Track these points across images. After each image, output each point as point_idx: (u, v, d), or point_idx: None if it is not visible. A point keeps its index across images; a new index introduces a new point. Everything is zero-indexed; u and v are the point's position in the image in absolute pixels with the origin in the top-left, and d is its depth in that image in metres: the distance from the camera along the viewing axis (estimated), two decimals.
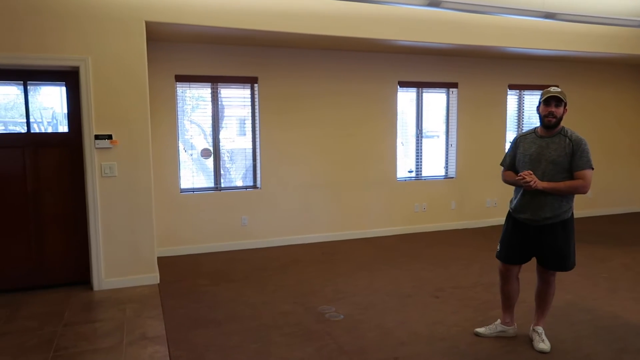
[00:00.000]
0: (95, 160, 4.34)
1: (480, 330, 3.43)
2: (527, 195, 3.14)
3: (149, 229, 4.55)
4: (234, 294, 4.29)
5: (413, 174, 6.72)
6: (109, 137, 4.37)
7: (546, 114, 3.11)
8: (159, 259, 5.19)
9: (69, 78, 4.36)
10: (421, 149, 6.72)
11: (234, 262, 5.28)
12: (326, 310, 3.88)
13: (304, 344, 3.31)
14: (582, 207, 7.34)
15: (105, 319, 3.78)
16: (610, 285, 4.43)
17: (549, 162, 3.09)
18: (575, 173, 3.05)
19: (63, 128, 4.61)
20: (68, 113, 4.43)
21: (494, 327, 3.42)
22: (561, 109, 3.10)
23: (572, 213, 3.19)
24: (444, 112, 6.83)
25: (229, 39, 5.27)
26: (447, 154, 6.87)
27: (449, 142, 6.84)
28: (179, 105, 5.59)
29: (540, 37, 5.84)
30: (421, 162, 6.74)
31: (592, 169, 3.06)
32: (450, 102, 6.79)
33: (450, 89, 6.73)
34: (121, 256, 4.47)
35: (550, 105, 3.09)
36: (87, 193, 4.36)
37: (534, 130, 3.26)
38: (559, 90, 3.12)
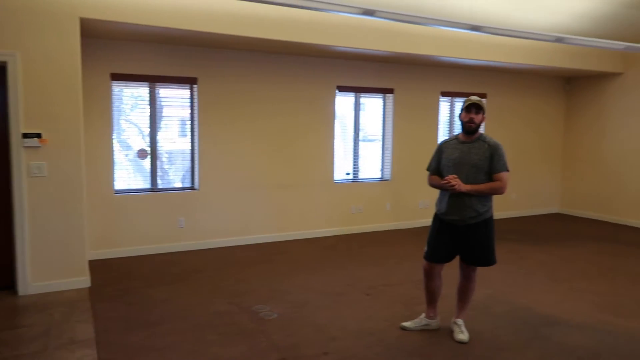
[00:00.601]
0: (22, 160, 4.18)
1: (406, 324, 3.63)
2: (452, 198, 3.36)
3: (79, 231, 4.43)
4: (169, 296, 4.27)
5: (350, 177, 6.92)
6: (38, 135, 4.22)
7: (467, 120, 3.36)
8: (92, 262, 5.06)
9: None
10: (358, 152, 6.93)
11: (170, 264, 5.23)
12: (260, 310, 3.95)
13: (238, 342, 3.37)
14: (504, 208, 7.84)
15: (30, 324, 3.66)
16: (527, 280, 4.79)
17: (470, 166, 3.33)
18: (493, 175, 3.31)
19: None
20: None
21: (419, 320, 3.63)
22: (480, 116, 3.35)
23: (492, 213, 3.45)
24: (379, 117, 7.08)
25: (168, 39, 5.23)
26: (383, 157, 7.12)
27: (385, 146, 7.10)
28: (115, 104, 5.47)
29: (470, 47, 6.20)
30: (358, 164, 6.95)
31: (508, 170, 3.34)
32: (386, 107, 7.05)
33: (387, 95, 6.99)
34: (50, 259, 4.33)
35: (471, 112, 3.34)
36: (14, 194, 4.19)
37: (456, 137, 3.50)
38: (479, 99, 3.39)
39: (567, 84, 8.48)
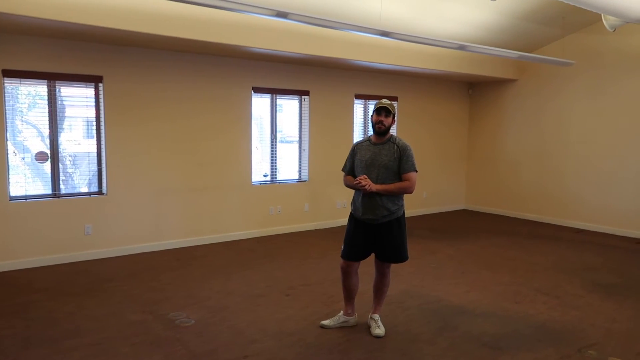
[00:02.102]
0: None
1: (325, 322, 3.68)
2: (365, 197, 3.47)
3: None
4: (75, 308, 3.99)
5: (268, 178, 6.90)
6: None
7: (377, 122, 3.49)
8: None
9: None
10: (276, 154, 6.93)
11: (75, 275, 4.89)
12: (177, 317, 3.82)
13: (152, 352, 3.23)
14: (415, 206, 8.23)
15: None
16: (437, 274, 5.06)
17: (381, 167, 3.46)
18: (402, 175, 3.46)
19: None
20: None
21: (337, 318, 3.70)
22: (390, 119, 3.49)
23: (404, 211, 3.60)
24: (297, 118, 7.13)
25: (69, 34, 4.88)
26: (300, 159, 7.18)
27: (302, 147, 7.16)
28: (9, 103, 5.01)
29: (381, 52, 6.44)
30: (276, 166, 6.95)
31: (416, 171, 3.50)
32: (302, 108, 7.12)
33: (303, 96, 7.06)
34: None
35: (381, 114, 3.47)
36: None
37: (368, 139, 3.62)
38: (389, 102, 3.52)
39: (470, 89, 9.09)
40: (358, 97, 7.61)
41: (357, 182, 3.41)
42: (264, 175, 6.87)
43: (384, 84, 7.85)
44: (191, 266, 5.24)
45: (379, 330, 3.55)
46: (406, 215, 3.62)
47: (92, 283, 4.63)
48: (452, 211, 9.03)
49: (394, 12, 5.76)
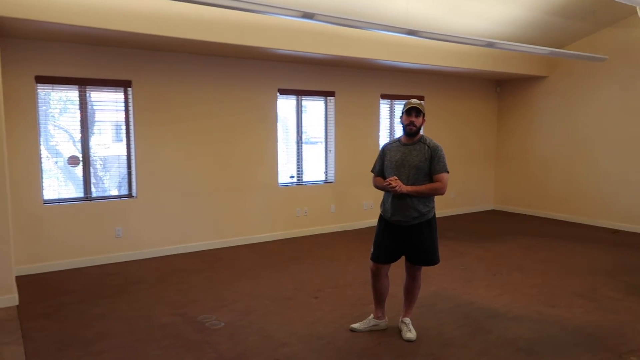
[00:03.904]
0: None
1: (355, 325, 3.64)
2: (395, 199, 3.41)
3: (4, 245, 4.10)
4: (106, 310, 4.04)
5: (294, 180, 6.89)
6: None
7: (408, 123, 3.42)
8: (20, 277, 4.70)
9: None
10: (302, 155, 6.92)
11: (106, 276, 4.96)
12: (206, 319, 3.83)
13: (183, 355, 3.24)
14: (443, 207, 8.10)
15: None
16: (468, 276, 4.96)
17: (412, 168, 3.39)
18: (434, 176, 3.39)
19: None
20: None
21: (368, 321, 3.65)
22: (420, 119, 3.43)
23: (435, 213, 3.53)
24: (322, 119, 7.10)
25: (98, 40, 4.96)
26: (326, 160, 7.15)
27: (328, 148, 7.13)
28: (42, 108, 5.12)
29: (408, 51, 6.36)
30: (302, 167, 6.93)
31: (448, 172, 3.43)
32: (328, 109, 7.09)
33: (328, 97, 7.03)
34: None
35: (411, 115, 3.41)
36: None
37: (398, 139, 3.57)
38: (419, 102, 3.46)
39: (498, 87, 8.90)
40: (384, 97, 7.53)
41: (387, 183, 3.36)
42: (290, 177, 6.86)
43: (410, 84, 7.76)
44: (218, 268, 5.26)
45: (410, 334, 3.48)
46: (436, 217, 3.55)
47: (122, 285, 4.69)
48: (480, 212, 8.86)
49: (420, 10, 5.68)
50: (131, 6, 4.46)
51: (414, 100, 3.47)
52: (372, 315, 3.69)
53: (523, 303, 4.19)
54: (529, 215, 8.39)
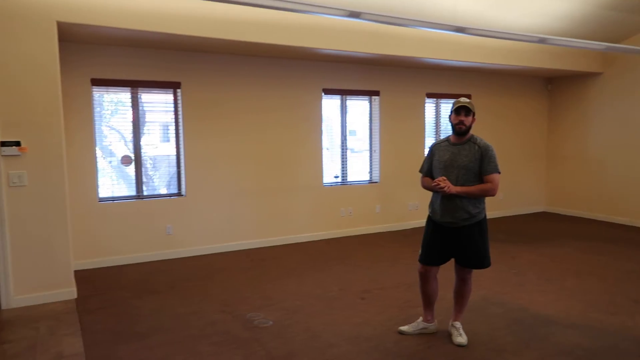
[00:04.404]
0: (1, 169, 4.02)
1: (404, 328, 3.58)
2: (444, 200, 3.33)
3: (64, 241, 4.29)
4: (158, 306, 4.15)
5: (339, 179, 6.87)
6: (17, 144, 4.07)
7: (457, 122, 3.34)
8: (77, 272, 4.90)
9: None
10: (346, 155, 6.89)
11: (157, 273, 5.10)
12: (254, 317, 3.86)
13: (232, 352, 3.28)
14: (492, 208, 7.87)
15: (15, 339, 3.51)
16: (520, 280, 4.80)
17: (461, 168, 3.31)
18: (484, 177, 3.29)
19: None
20: None
21: (416, 324, 3.58)
22: (470, 118, 3.33)
23: (485, 214, 3.43)
24: (366, 119, 7.05)
25: (150, 43, 5.11)
26: (371, 160, 7.10)
27: (373, 148, 7.07)
28: (96, 110, 5.33)
29: (455, 49, 6.22)
30: (346, 167, 6.91)
31: (499, 172, 3.32)
32: (372, 109, 7.03)
33: (373, 97, 6.97)
34: (33, 271, 4.17)
35: (460, 114, 3.32)
36: None
37: (447, 139, 3.48)
38: (468, 100, 3.36)
39: (549, 84, 8.58)
40: (429, 96, 7.40)
41: (435, 184, 3.29)
42: (335, 177, 6.85)
43: (456, 82, 7.59)
44: (264, 267, 5.31)
45: (461, 338, 3.39)
46: (487, 219, 3.45)
47: (173, 282, 4.80)
48: (531, 213, 8.57)
49: (468, 6, 5.54)
50: (181, 9, 4.57)
51: (463, 99, 3.37)
52: (421, 318, 3.62)
53: (580, 310, 4.01)
54: (583, 218, 8.05)
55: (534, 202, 8.71)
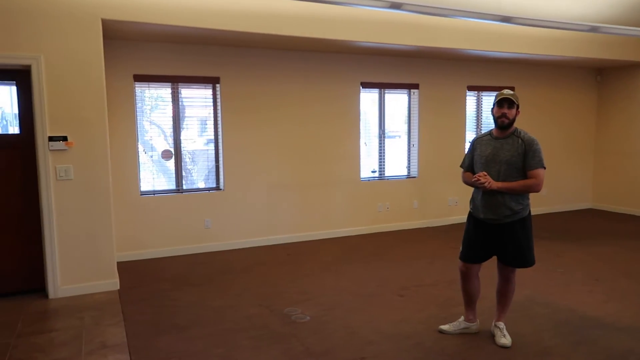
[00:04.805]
0: (49, 163, 4.16)
1: (445, 327, 3.49)
2: (485, 196, 3.22)
3: (108, 233, 4.40)
4: (197, 298, 4.20)
5: (376, 174, 6.79)
6: (64, 138, 4.19)
7: (499, 115, 3.21)
8: (119, 263, 5.03)
9: (20, 77, 4.15)
10: (384, 149, 6.80)
11: (196, 266, 5.18)
12: (292, 312, 3.86)
13: (270, 347, 3.28)
14: (536, 205, 7.61)
15: (62, 328, 3.63)
16: (566, 280, 4.61)
17: (503, 163, 3.18)
18: (528, 172, 3.15)
19: (14, 129, 4.40)
20: (19, 114, 4.22)
21: (458, 324, 3.49)
22: (514, 111, 3.19)
23: (530, 211, 3.29)
24: (405, 113, 6.93)
25: (190, 38, 5.16)
26: (409, 154, 6.97)
27: (411, 142, 6.94)
28: (138, 105, 5.43)
29: (497, 40, 6.01)
30: (384, 162, 6.81)
31: (544, 168, 3.17)
32: (411, 102, 6.90)
33: (412, 90, 6.84)
34: (79, 262, 4.31)
35: (503, 107, 3.19)
36: (41, 197, 4.17)
37: (490, 132, 3.36)
38: (512, 92, 3.23)
39: (598, 75, 8.20)
40: (470, 88, 7.20)
41: (475, 179, 3.18)
42: (372, 172, 6.77)
43: (499, 74, 7.35)
44: (301, 261, 5.31)
45: (504, 339, 3.28)
46: (531, 216, 3.31)
47: (211, 275, 4.86)
48: (576, 210, 8.23)
49: None
50: (221, 5, 4.59)
51: (506, 91, 3.24)
52: (462, 317, 3.52)
53: (633, 312, 3.81)
54: (633, 216, 7.67)
55: (579, 198, 8.36)
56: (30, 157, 4.23)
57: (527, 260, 3.27)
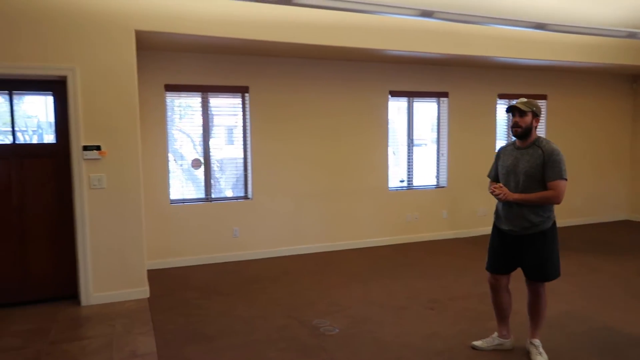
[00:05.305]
0: (83, 172, 4.24)
1: (478, 343, 3.40)
2: (505, 207, 3.18)
3: (138, 242, 4.45)
4: (226, 308, 4.20)
5: (404, 184, 6.71)
6: (98, 148, 4.27)
7: (512, 125, 3.17)
8: (148, 271, 5.06)
9: (57, 88, 4.26)
10: (412, 158, 6.72)
11: (224, 274, 5.19)
12: (321, 324, 3.82)
13: (300, 359, 3.24)
14: (568, 216, 7.39)
15: (93, 335, 3.67)
16: (603, 295, 4.44)
17: (522, 174, 3.11)
18: (547, 183, 3.05)
19: (49, 138, 4.51)
20: (55, 123, 4.32)
21: (491, 340, 3.39)
22: (527, 119, 3.11)
23: (554, 222, 3.17)
24: (434, 122, 6.84)
25: (220, 48, 5.22)
26: (438, 163, 6.87)
27: (440, 152, 6.85)
28: (168, 114, 5.50)
29: (529, 47, 5.89)
30: (412, 171, 6.73)
31: (565, 179, 3.05)
32: (440, 111, 6.81)
33: (441, 98, 6.75)
34: (110, 270, 4.36)
35: (515, 115, 3.13)
36: (75, 205, 4.25)
37: (514, 142, 3.28)
38: (524, 100, 3.15)
39: (634, 83, 7.95)
40: (501, 96, 7.07)
41: (491, 190, 3.14)
42: (400, 181, 6.69)
43: (531, 82, 7.20)
44: (329, 272, 5.26)
45: (540, 357, 3.16)
46: (558, 226, 3.19)
47: (240, 284, 4.86)
48: (611, 222, 7.96)
49: (547, 1, 5.21)
50: (250, 15, 4.62)
51: (522, 99, 3.17)
52: (496, 333, 3.42)
53: None
54: None
55: (614, 209, 8.09)
56: (65, 165, 4.32)
57: (547, 274, 3.16)
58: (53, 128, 4.35)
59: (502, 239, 3.24)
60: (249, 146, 5.79)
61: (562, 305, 4.10)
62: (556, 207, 3.17)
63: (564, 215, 7.06)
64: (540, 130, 7.07)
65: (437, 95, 6.69)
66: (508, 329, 3.39)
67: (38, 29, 4.02)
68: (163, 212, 5.45)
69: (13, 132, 4.26)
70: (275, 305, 4.26)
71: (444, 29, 5.41)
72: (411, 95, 6.56)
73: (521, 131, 3.12)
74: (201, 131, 5.67)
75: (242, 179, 5.88)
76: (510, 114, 3.17)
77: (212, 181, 5.78)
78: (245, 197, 5.86)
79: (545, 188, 3.06)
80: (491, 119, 7.05)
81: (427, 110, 6.83)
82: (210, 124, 5.73)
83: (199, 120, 5.66)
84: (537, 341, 3.27)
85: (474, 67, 6.77)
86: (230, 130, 5.91)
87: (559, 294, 4.27)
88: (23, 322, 3.93)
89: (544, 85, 7.29)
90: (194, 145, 5.74)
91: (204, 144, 5.69)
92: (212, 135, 5.75)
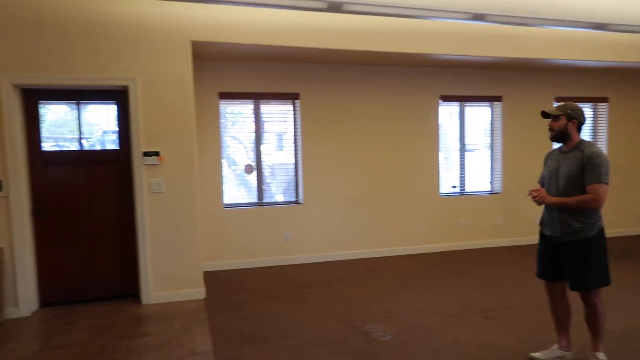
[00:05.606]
0: (143, 177, 4.44)
1: (536, 354, 3.28)
2: (547, 212, 3.17)
3: (195, 244, 4.61)
4: (279, 310, 4.27)
5: (457, 189, 6.59)
6: (157, 154, 4.46)
7: (548, 129, 3.15)
8: (205, 273, 5.23)
9: (120, 97, 4.49)
10: (465, 164, 6.59)
11: (277, 278, 5.27)
12: (373, 330, 3.81)
13: None
14: (630, 225, 7.00)
15: (154, 333, 3.83)
16: None
17: (562, 178, 3.06)
18: (586, 187, 2.96)
19: (112, 145, 4.75)
20: (118, 131, 4.56)
21: (551, 351, 3.26)
22: (561, 122, 3.08)
23: (600, 230, 3.02)
24: (487, 126, 6.69)
25: (271, 56, 5.33)
26: (492, 169, 6.71)
27: (494, 157, 6.68)
28: (222, 121, 5.67)
29: (587, 47, 5.67)
30: (465, 177, 6.60)
31: (605, 183, 2.92)
32: (494, 115, 6.65)
33: (494, 103, 6.59)
34: (169, 270, 4.54)
35: (549, 120, 3.14)
36: (137, 209, 4.46)
37: (560, 147, 3.20)
38: (556, 105, 3.10)
39: None
40: (558, 100, 6.82)
41: (529, 193, 3.12)
42: (453, 187, 6.58)
43: (590, 84, 6.91)
44: (381, 278, 5.24)
45: None
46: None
47: (292, 288, 4.93)
48: None
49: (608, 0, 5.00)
50: (300, 23, 4.70)
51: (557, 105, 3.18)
52: (556, 344, 3.29)
53: None
54: None
55: None
56: (126, 171, 4.54)
57: (584, 284, 3.02)
58: (116, 135, 4.58)
59: (547, 245, 3.20)
60: (299, 151, 5.87)
61: (628, 319, 3.88)
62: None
63: (623, 224, 6.70)
64: (601, 135, 6.77)
65: (490, 99, 6.54)
66: (568, 341, 3.26)
67: (104, 43, 4.26)
68: (217, 216, 5.61)
69: (80, 140, 4.52)
70: (327, 309, 4.29)
71: (496, 32, 5.30)
72: (463, 99, 6.45)
73: (555, 134, 3.11)
74: (253, 137, 5.80)
75: (292, 184, 5.97)
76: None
77: (263, 186, 5.90)
78: (296, 202, 5.94)
79: (585, 192, 2.97)
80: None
81: (479, 115, 6.69)
82: (261, 130, 5.85)
83: (250, 126, 5.79)
84: (602, 355, 3.11)
85: (529, 70, 6.58)
86: (280, 137, 6.02)
87: (624, 306, 4.06)
88: (90, 318, 4.15)
89: (604, 87, 6.98)
90: (246, 151, 5.88)
91: (256, 149, 5.82)
92: (264, 141, 5.87)
